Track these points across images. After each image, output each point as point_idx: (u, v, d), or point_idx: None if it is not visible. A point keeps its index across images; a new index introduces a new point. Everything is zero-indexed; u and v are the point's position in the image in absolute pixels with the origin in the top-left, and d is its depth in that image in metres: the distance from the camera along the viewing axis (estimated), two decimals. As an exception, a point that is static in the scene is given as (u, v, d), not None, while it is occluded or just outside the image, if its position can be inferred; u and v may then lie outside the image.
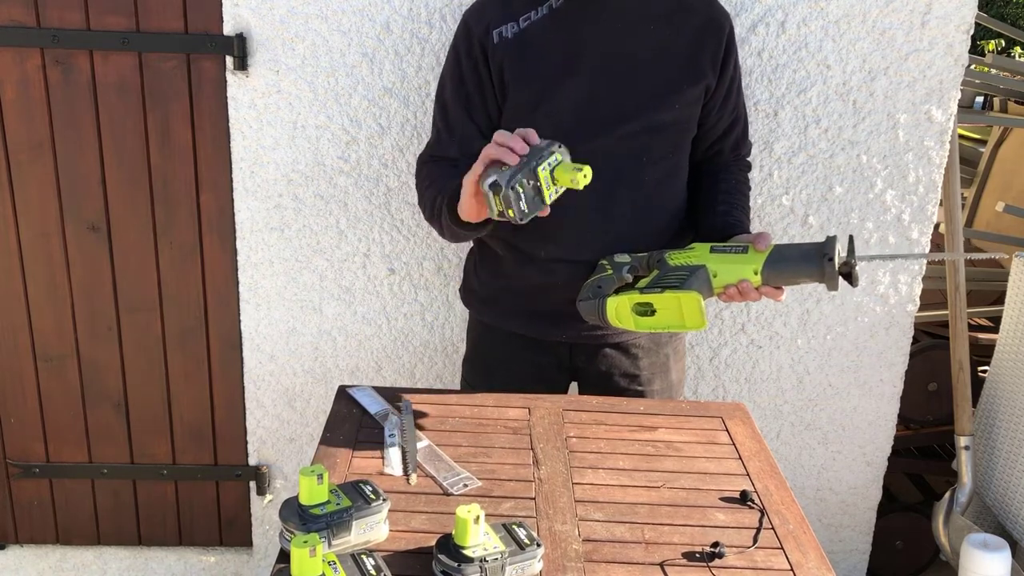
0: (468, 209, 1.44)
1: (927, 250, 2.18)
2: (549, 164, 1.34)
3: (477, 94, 1.64)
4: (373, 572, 1.09)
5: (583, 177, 1.33)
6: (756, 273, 1.46)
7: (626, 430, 1.56)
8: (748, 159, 1.80)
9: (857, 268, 1.43)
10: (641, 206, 1.63)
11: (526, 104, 1.60)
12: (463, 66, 1.64)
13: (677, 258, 1.52)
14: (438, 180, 1.61)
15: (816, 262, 1.43)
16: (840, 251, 1.44)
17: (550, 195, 1.35)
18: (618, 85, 1.58)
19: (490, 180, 1.33)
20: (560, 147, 1.37)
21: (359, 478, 1.35)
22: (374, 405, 1.57)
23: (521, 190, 1.31)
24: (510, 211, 1.32)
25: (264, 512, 2.42)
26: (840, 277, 1.43)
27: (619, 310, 1.51)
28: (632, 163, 1.61)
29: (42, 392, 2.30)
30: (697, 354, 2.27)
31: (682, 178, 1.70)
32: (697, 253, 1.51)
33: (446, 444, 1.48)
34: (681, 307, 1.46)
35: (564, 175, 1.34)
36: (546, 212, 1.37)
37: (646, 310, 1.50)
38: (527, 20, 1.60)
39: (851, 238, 1.45)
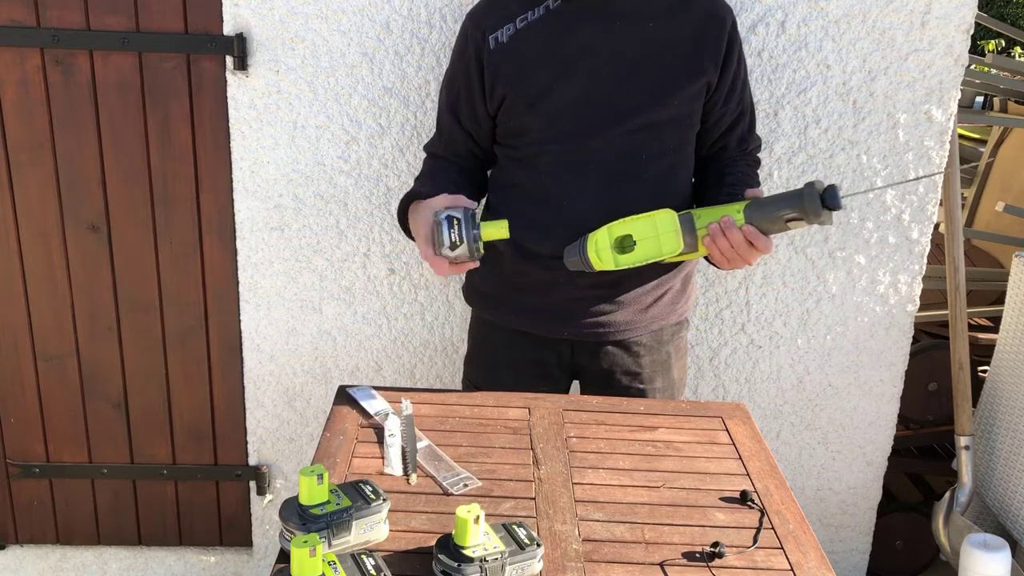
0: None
1: (927, 250, 2.18)
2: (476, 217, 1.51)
3: (465, 97, 1.66)
4: (373, 572, 1.09)
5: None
6: (739, 212, 1.49)
7: (626, 430, 1.56)
8: (757, 154, 1.78)
9: (840, 192, 1.43)
10: (642, 202, 1.63)
11: (523, 104, 1.60)
12: (456, 68, 1.67)
13: None
14: (423, 176, 1.74)
15: (796, 195, 1.44)
16: (821, 186, 1.45)
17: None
18: (615, 84, 1.58)
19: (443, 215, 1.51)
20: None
21: (359, 478, 1.35)
22: (374, 405, 1.57)
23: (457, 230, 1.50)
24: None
25: (264, 512, 2.42)
26: (824, 211, 1.42)
27: (599, 246, 1.54)
28: (632, 160, 1.61)
29: (42, 392, 2.30)
30: (697, 354, 2.27)
31: (685, 174, 1.70)
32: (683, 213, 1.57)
33: (446, 444, 1.48)
34: (657, 230, 1.51)
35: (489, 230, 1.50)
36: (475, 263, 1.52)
37: (625, 245, 1.53)
38: (524, 21, 1.60)
39: (834, 185, 1.45)
